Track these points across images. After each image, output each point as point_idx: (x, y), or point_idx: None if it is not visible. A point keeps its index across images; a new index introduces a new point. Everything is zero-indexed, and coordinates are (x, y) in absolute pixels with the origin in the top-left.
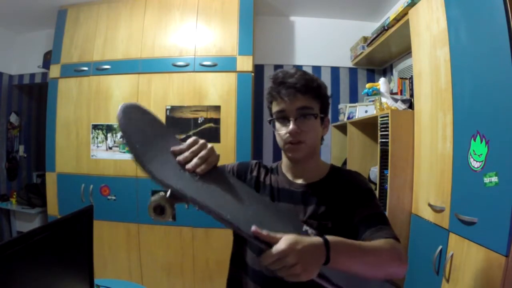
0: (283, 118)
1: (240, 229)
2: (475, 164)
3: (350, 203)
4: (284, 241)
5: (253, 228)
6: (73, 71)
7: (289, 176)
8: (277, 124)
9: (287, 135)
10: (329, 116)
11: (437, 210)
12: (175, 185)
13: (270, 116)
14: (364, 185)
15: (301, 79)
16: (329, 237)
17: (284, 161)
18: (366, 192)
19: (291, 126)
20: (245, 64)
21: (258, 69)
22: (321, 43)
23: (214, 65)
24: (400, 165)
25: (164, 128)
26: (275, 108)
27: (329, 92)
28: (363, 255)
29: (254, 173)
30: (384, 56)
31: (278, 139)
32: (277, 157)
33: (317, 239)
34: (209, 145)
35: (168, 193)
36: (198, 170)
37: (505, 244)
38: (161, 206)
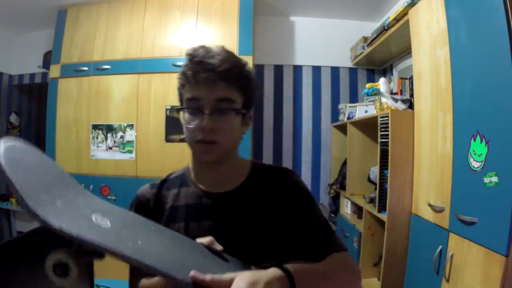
0: (196, 108)
1: (175, 278)
2: (475, 164)
3: (285, 211)
4: (241, 283)
5: (192, 273)
6: (73, 71)
7: (202, 185)
8: (187, 115)
9: (199, 131)
10: (252, 112)
11: (437, 210)
12: (86, 235)
13: (180, 102)
14: (299, 185)
15: (226, 62)
16: (289, 267)
17: (192, 163)
18: (304, 196)
19: (204, 121)
20: None
21: (258, 69)
22: (321, 43)
23: None
24: (400, 165)
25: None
26: (187, 93)
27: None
28: (325, 281)
29: (151, 204)
30: (384, 56)
31: (186, 134)
32: (277, 157)
33: (277, 273)
34: None
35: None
36: None
37: (505, 244)
38: (63, 264)
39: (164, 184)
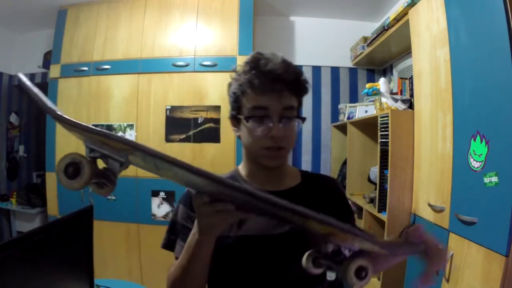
0: (263, 116)
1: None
2: (475, 164)
3: (332, 214)
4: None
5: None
6: (73, 71)
7: (256, 184)
8: (252, 122)
9: (268, 138)
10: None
11: (437, 210)
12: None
13: (236, 110)
14: (345, 196)
15: (291, 73)
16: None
17: (246, 167)
18: (347, 206)
19: (276, 129)
20: None
21: None
22: (321, 43)
23: (214, 65)
24: (400, 165)
25: None
26: (250, 102)
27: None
28: None
29: None
30: (384, 56)
31: (249, 141)
32: None
33: None
34: None
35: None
36: None
37: (505, 244)
38: (76, 164)
39: None
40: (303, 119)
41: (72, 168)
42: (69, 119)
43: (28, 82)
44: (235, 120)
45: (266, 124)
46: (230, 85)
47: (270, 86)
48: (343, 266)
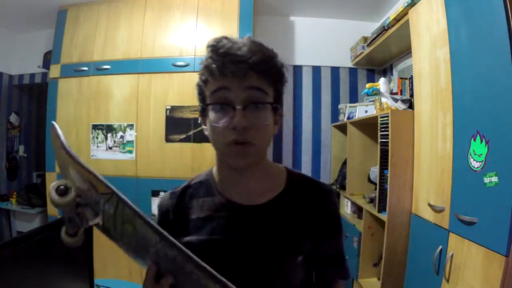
0: (224, 104)
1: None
2: (475, 164)
3: (314, 233)
4: None
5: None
6: (73, 71)
7: (230, 195)
8: (213, 113)
9: (231, 130)
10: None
11: (437, 210)
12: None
13: (201, 102)
14: (336, 211)
15: (257, 52)
16: None
17: (219, 169)
18: (337, 223)
19: (237, 117)
20: None
21: None
22: (321, 43)
23: None
24: (400, 165)
25: None
26: (211, 87)
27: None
28: None
29: (171, 216)
30: (384, 56)
31: (212, 135)
32: (277, 157)
33: None
34: None
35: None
36: None
37: (505, 244)
38: (66, 188)
39: (186, 191)
40: (275, 108)
41: (62, 189)
42: (72, 153)
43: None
44: (202, 115)
45: (227, 113)
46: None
47: (230, 68)
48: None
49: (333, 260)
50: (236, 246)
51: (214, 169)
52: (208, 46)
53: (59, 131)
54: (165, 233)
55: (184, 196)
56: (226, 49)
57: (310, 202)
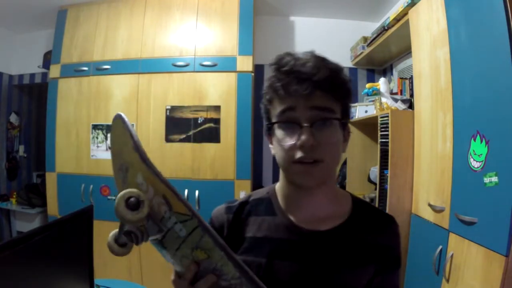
0: (290, 122)
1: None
2: (475, 164)
3: (375, 263)
4: None
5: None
6: (73, 71)
7: (293, 217)
8: (280, 132)
9: (298, 149)
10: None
11: (437, 210)
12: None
13: (267, 121)
14: (398, 247)
15: (322, 68)
16: None
17: (283, 188)
18: (396, 259)
19: (304, 135)
20: (245, 64)
21: (258, 69)
22: (321, 43)
23: (214, 65)
24: (400, 165)
25: None
26: (277, 107)
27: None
28: None
29: (225, 232)
30: (384, 56)
31: (278, 155)
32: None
33: None
34: None
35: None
36: None
37: (505, 244)
38: (139, 201)
39: (244, 207)
40: (344, 123)
41: (134, 201)
42: (153, 166)
43: (128, 123)
44: (269, 134)
45: (293, 132)
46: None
47: (295, 87)
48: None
49: None
50: (294, 272)
51: (277, 188)
52: (272, 64)
53: (130, 126)
54: (249, 270)
55: (242, 212)
56: (290, 67)
57: (373, 232)
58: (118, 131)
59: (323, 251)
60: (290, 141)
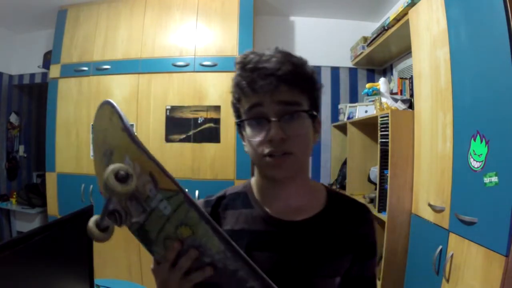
0: (259, 118)
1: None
2: (475, 164)
3: (352, 251)
4: None
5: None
6: (73, 71)
7: (269, 209)
8: (249, 129)
9: (267, 143)
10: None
11: (437, 210)
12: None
13: (237, 118)
14: (373, 235)
15: (286, 63)
16: None
17: (258, 181)
18: (372, 246)
19: (272, 129)
20: None
21: None
22: (321, 43)
23: (214, 65)
24: (400, 165)
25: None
26: (245, 105)
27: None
28: None
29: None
30: (384, 56)
31: (249, 150)
32: None
33: None
34: None
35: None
36: None
37: (505, 244)
38: (127, 174)
39: (221, 201)
40: (313, 115)
41: (123, 174)
42: (141, 143)
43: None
44: (240, 132)
45: (262, 127)
46: None
47: (260, 83)
48: None
49: (364, 283)
50: (273, 262)
51: (253, 182)
52: (236, 63)
53: (119, 109)
54: (234, 244)
55: (219, 206)
56: (254, 64)
57: (349, 222)
58: (104, 117)
59: (301, 240)
60: (259, 137)
